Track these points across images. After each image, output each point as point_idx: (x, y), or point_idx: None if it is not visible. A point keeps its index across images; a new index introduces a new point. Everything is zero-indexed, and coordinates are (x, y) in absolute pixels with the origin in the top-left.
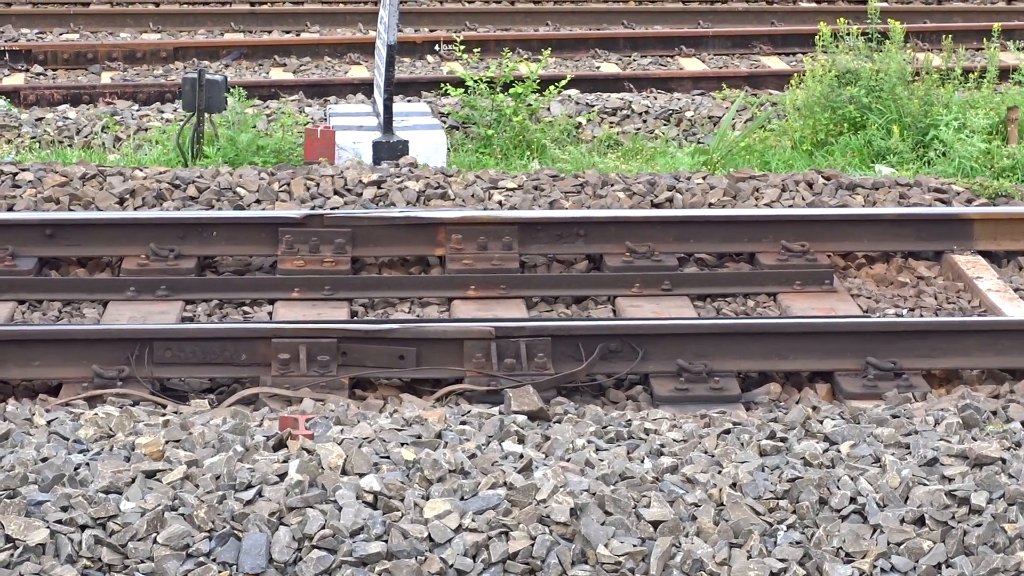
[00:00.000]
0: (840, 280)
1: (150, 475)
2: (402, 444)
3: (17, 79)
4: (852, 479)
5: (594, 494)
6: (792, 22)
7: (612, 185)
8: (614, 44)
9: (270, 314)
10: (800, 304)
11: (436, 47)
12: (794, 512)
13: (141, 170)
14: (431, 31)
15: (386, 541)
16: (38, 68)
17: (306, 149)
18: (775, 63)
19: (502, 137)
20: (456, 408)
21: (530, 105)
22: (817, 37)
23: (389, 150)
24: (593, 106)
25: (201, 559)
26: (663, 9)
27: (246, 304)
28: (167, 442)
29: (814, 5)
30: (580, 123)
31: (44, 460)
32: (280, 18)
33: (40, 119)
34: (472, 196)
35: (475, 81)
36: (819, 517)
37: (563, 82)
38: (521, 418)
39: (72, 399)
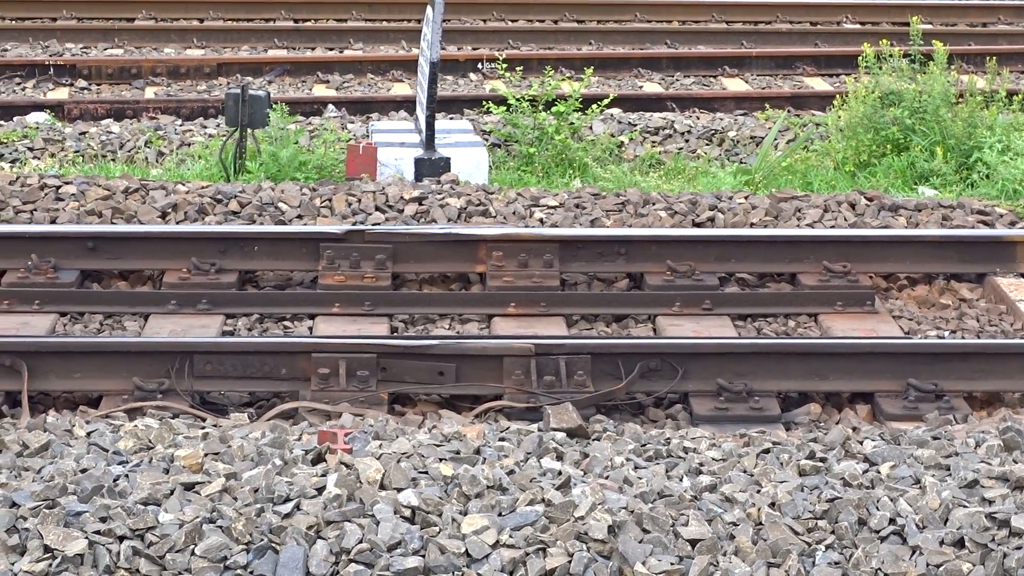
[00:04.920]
0: (882, 301)
1: (189, 487)
2: (440, 459)
3: (62, 93)
4: (892, 500)
5: (632, 512)
6: (836, 43)
7: (654, 204)
8: (657, 64)
9: (310, 329)
10: (841, 325)
11: (479, 65)
12: (833, 532)
13: (183, 184)
14: (474, 49)
15: (423, 556)
16: (82, 83)
17: (348, 165)
18: (818, 84)
19: (544, 155)
20: (495, 424)
21: (572, 124)
22: (860, 58)
23: (431, 167)
24: (635, 125)
25: (238, 572)
26: (706, 29)
27: (286, 319)
28: (206, 455)
29: (858, 26)
30: (622, 142)
31: (83, 471)
32: (324, 35)
33: (84, 133)
34: (513, 213)
35: (517, 99)
36: (858, 538)
37: (606, 101)
38: (560, 435)
39: (112, 411)
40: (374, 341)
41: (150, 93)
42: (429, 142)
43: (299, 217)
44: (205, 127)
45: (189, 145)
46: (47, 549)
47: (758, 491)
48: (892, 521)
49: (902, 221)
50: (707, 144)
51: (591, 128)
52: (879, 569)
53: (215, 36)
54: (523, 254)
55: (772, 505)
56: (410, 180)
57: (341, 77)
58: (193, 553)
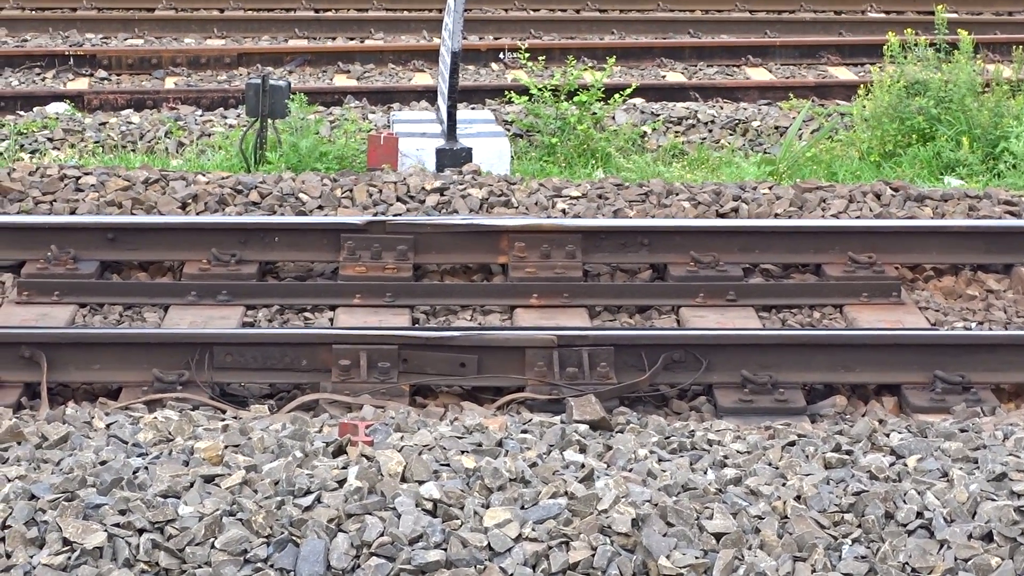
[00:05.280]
0: (908, 292)
1: (208, 480)
2: (462, 452)
3: (81, 84)
4: (919, 493)
5: (656, 505)
6: (860, 32)
7: (677, 194)
8: (680, 53)
9: (331, 320)
10: (867, 316)
11: (501, 55)
12: (859, 526)
13: (204, 175)
14: (496, 39)
15: (445, 549)
16: (102, 73)
17: (369, 155)
18: (843, 73)
19: (566, 145)
20: (517, 416)
21: (595, 113)
22: (885, 47)
23: (452, 157)
24: (658, 115)
25: (259, 565)
26: (730, 19)
27: (307, 310)
28: (226, 447)
29: (882, 15)
30: (645, 132)
31: (103, 463)
32: (344, 25)
33: (104, 124)
34: (535, 204)
35: (539, 89)
36: (885, 532)
37: (628, 91)
38: (583, 427)
39: (132, 403)
40: (395, 332)
41: (170, 83)
42: (450, 132)
43: (320, 208)
44: (225, 117)
45: (209, 135)
46: (66, 542)
47: (783, 484)
48: (919, 515)
49: (928, 211)
50: (731, 134)
51: (613, 118)
52: (906, 563)
53: (235, 26)
54: (545, 245)
55: (798, 498)
56: (431, 170)
57: (362, 67)
58: (213, 546)
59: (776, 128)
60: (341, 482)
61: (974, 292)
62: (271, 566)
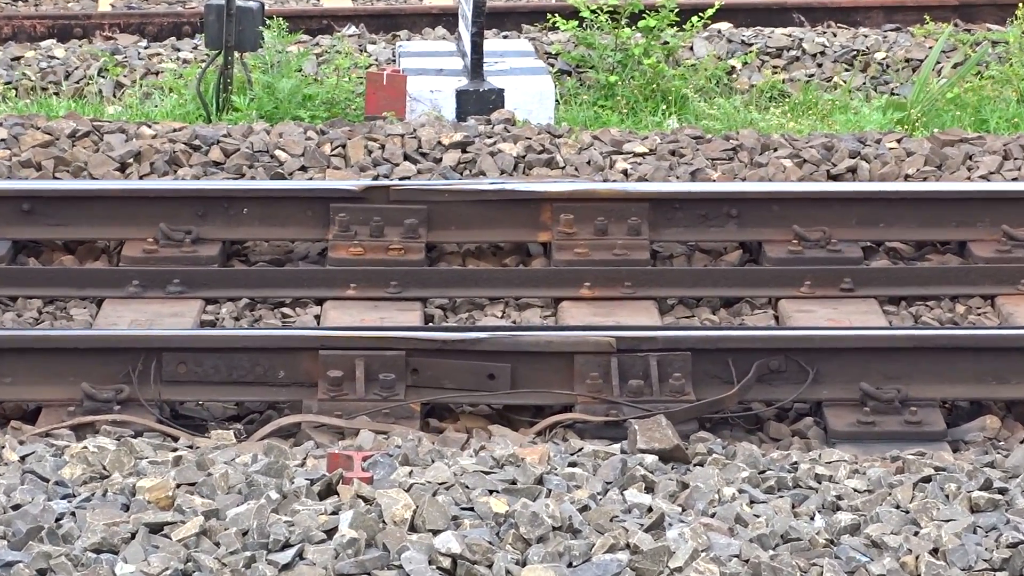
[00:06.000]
0: None
1: (155, 529)
2: (491, 492)
3: None
4: None
5: (747, 561)
6: None
7: (775, 150)
8: None
9: (317, 318)
10: None
11: None
12: None
13: (149, 126)
14: None
15: None
16: None
17: (368, 100)
18: None
19: (628, 85)
20: (563, 445)
21: (666, 43)
22: None
23: (478, 101)
24: (751, 45)
25: None
26: None
27: (286, 304)
28: (178, 486)
29: None
30: (733, 67)
31: (16, 508)
32: None
33: (17, 59)
34: (588, 163)
35: (593, 10)
36: None
37: (710, 11)
38: (650, 459)
39: (54, 428)
40: (403, 334)
41: (105, 6)
42: (476, 69)
43: (303, 169)
44: (178, 50)
45: (157, 74)
46: None
47: (916, 533)
48: None
49: None
50: (847, 69)
51: (691, 49)
52: None
53: None
54: (601, 217)
55: (935, 552)
56: (450, 119)
57: None
58: None
59: (907, 62)
60: (330, 532)
61: None
62: None
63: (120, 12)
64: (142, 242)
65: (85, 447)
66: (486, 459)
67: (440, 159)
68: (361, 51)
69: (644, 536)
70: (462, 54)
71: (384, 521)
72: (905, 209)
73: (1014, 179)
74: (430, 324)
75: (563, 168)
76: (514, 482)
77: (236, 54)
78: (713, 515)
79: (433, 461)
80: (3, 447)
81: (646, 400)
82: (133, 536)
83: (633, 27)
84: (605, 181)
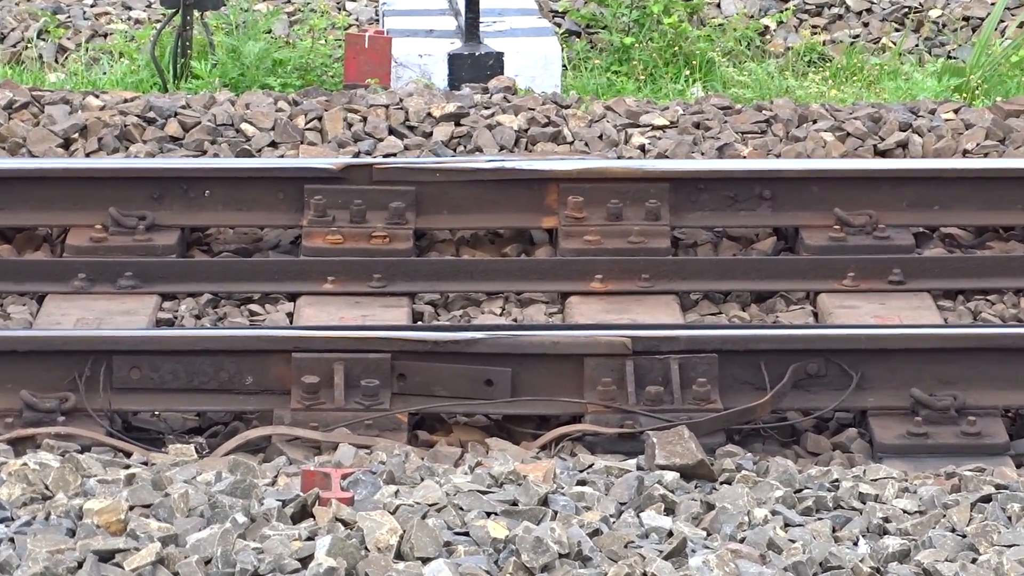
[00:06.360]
0: None
1: (106, 557)
2: (488, 514)
3: None
4: None
5: None
6: None
7: (815, 122)
8: None
9: (290, 316)
10: None
11: None
12: None
13: (97, 96)
14: None
15: None
16: None
17: (347, 66)
18: None
19: (647, 48)
20: (571, 460)
21: None
22: None
23: (474, 67)
24: (786, 0)
25: None
26: None
27: (254, 300)
28: (132, 508)
29: None
30: (766, 27)
31: None
32: None
33: None
34: (600, 138)
35: None
36: None
37: None
38: (670, 476)
39: None
40: (388, 334)
41: None
42: (471, 29)
43: (273, 145)
44: (129, 9)
45: (105, 36)
46: None
47: (973, 560)
48: None
49: None
50: (897, 29)
51: (718, 6)
52: None
53: None
54: (615, 200)
55: None
56: (442, 88)
57: None
58: None
59: (966, 20)
60: (305, 560)
61: None
62: None
63: None
64: (89, 229)
65: (25, 464)
66: (483, 477)
67: (430, 133)
68: (340, 9)
69: (663, 564)
70: (455, 12)
71: (366, 548)
72: (963, 190)
73: None
74: (419, 323)
75: (571, 144)
76: (515, 503)
77: (196, 13)
78: (742, 540)
79: (422, 479)
80: None
81: (666, 409)
82: (80, 565)
83: None
84: (619, 158)
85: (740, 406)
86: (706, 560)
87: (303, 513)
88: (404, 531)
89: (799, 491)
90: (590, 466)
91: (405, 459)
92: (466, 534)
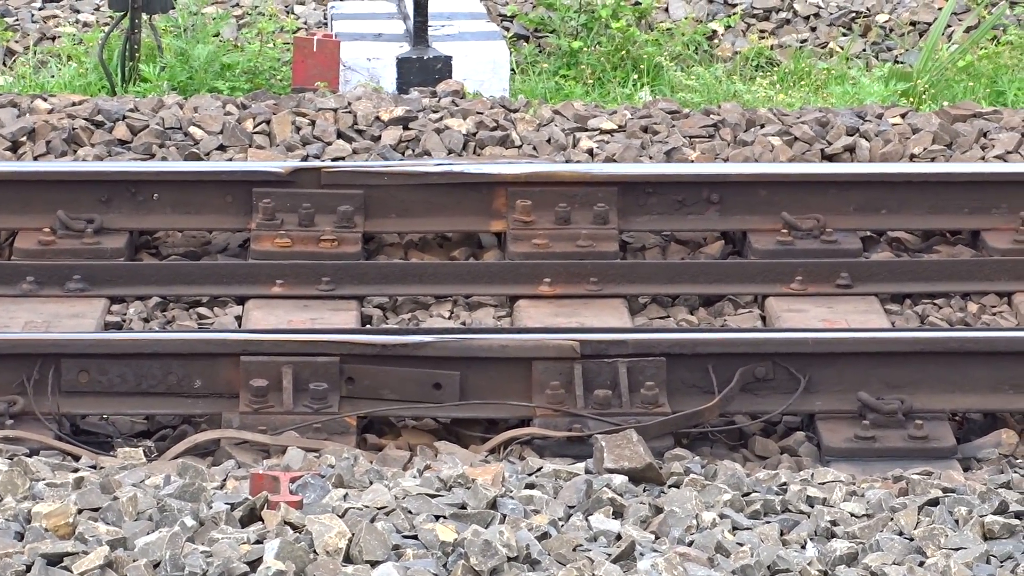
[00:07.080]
0: None
1: (54, 561)
2: (437, 518)
3: None
4: None
5: None
6: None
7: (763, 126)
8: None
9: (239, 319)
10: None
11: None
12: None
13: (45, 99)
14: None
15: None
16: None
17: (295, 69)
18: None
19: (595, 52)
20: (520, 464)
21: (638, 3)
22: None
23: (423, 70)
24: (734, 5)
25: None
26: None
27: (202, 304)
28: (80, 511)
29: None
30: (714, 31)
31: None
32: None
33: None
34: (548, 142)
35: None
36: None
37: None
38: (619, 479)
39: None
40: (336, 338)
41: None
42: (419, 33)
43: (221, 149)
44: (77, 12)
45: (53, 39)
46: None
47: (921, 564)
48: None
49: None
50: (844, 34)
51: (666, 10)
52: None
53: None
54: (563, 203)
55: None
56: (391, 91)
57: None
58: None
59: (913, 25)
60: (254, 563)
61: None
62: None
63: None
64: (37, 232)
65: None
66: (432, 480)
67: (378, 137)
68: (288, 13)
69: (612, 567)
70: (404, 16)
71: (315, 551)
72: (910, 194)
73: None
74: (368, 326)
75: (519, 147)
76: (463, 506)
77: (144, 16)
78: (690, 543)
79: (371, 483)
80: None
81: (614, 413)
82: (28, 569)
83: None
84: (567, 162)
85: (688, 410)
86: (654, 563)
87: (252, 516)
88: (353, 534)
89: (747, 495)
90: (539, 470)
91: (354, 462)
92: (415, 537)
